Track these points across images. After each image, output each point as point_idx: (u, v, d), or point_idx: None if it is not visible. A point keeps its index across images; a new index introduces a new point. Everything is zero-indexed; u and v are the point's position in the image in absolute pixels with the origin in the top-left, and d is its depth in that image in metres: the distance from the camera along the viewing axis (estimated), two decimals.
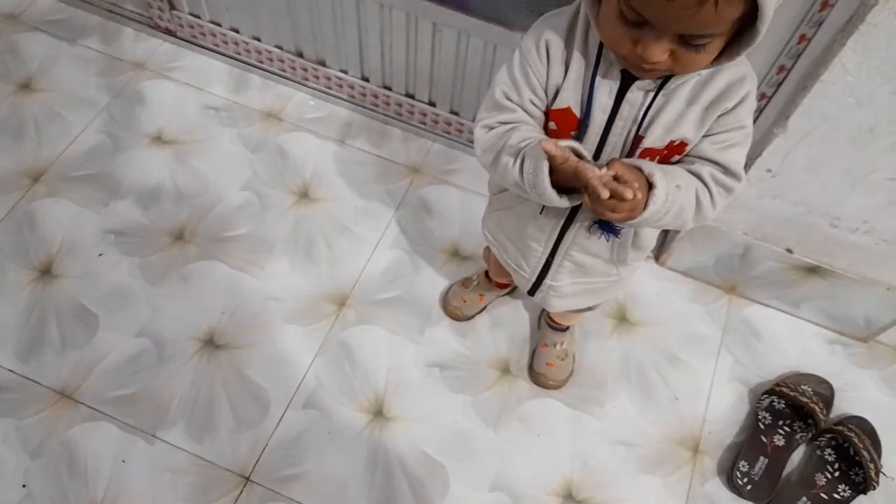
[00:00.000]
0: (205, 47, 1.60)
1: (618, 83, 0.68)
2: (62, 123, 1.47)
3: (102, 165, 1.42)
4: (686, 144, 0.72)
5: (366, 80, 1.48)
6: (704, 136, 0.71)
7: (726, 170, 0.72)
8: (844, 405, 1.25)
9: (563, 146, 0.63)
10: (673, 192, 0.68)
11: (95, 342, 1.20)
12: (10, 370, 1.17)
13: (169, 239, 1.33)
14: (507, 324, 1.29)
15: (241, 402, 1.17)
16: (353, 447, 1.15)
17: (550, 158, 0.64)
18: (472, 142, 1.44)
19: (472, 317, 1.28)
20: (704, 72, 0.67)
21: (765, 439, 1.19)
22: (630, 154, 0.72)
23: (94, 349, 1.20)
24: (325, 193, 1.41)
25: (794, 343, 1.32)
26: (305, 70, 1.52)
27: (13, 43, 1.59)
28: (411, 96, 1.46)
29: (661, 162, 0.73)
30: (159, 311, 1.24)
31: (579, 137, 0.72)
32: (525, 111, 0.74)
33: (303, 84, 1.55)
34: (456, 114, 1.44)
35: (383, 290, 1.30)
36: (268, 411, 1.16)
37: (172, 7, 1.56)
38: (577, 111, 0.71)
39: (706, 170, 0.72)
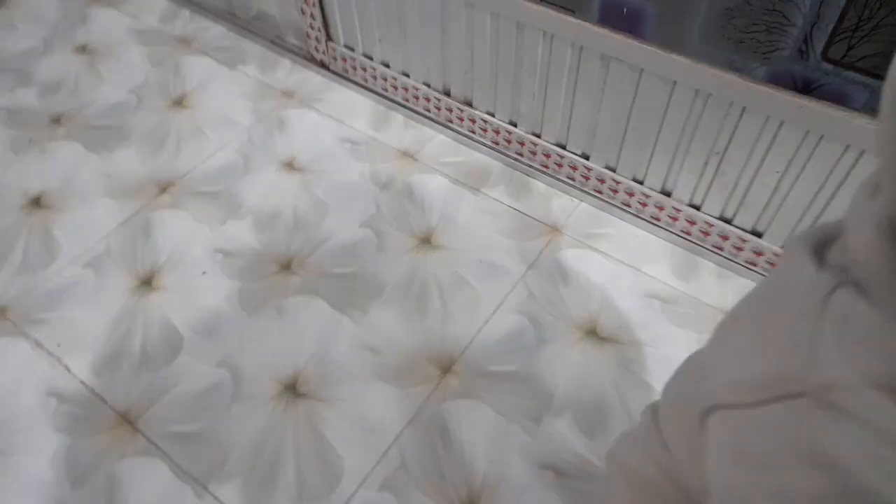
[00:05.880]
0: (354, 82, 1.54)
1: None
2: (202, 140, 1.45)
3: (229, 184, 1.36)
4: None
5: (513, 124, 1.32)
6: None
7: None
8: None
9: None
10: None
11: (173, 366, 1.08)
12: (82, 382, 1.07)
13: (275, 267, 1.21)
14: None
15: (310, 467, 0.98)
16: None
17: None
18: (626, 204, 1.24)
19: None
20: None
21: None
22: None
23: (170, 374, 1.07)
24: (449, 241, 1.24)
25: None
26: (450, 111, 1.39)
27: (178, 63, 1.63)
28: (562, 146, 1.28)
29: None
30: (247, 343, 1.11)
31: None
32: None
33: (446, 126, 1.42)
34: (612, 170, 1.23)
35: (498, 361, 1.08)
36: (338, 485, 0.96)
37: (329, 38, 1.52)
38: None
39: None
